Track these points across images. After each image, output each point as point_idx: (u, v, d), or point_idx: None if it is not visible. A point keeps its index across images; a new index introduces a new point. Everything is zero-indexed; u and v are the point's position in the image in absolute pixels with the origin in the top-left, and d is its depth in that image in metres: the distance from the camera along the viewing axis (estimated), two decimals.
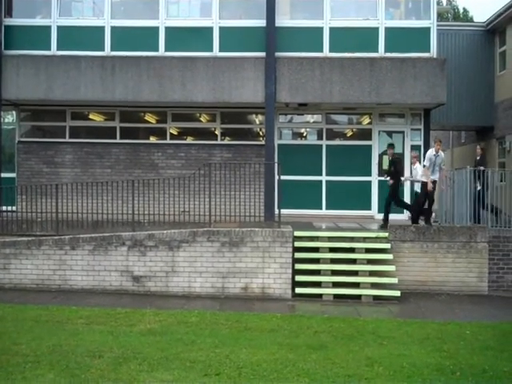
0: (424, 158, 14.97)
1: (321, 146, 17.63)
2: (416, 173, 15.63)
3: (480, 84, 21.09)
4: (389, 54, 16.72)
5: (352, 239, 13.82)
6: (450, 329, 10.35)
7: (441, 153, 14.58)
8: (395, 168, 15.31)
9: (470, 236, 13.91)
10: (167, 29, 16.98)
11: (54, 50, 17.05)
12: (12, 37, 17.09)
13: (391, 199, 15.36)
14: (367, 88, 16.45)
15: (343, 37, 16.85)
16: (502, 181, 16.33)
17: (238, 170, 15.08)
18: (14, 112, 17.99)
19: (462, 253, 13.85)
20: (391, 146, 15.55)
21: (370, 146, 17.60)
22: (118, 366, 7.78)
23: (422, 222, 14.59)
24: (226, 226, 13.94)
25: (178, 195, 14.68)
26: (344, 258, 13.56)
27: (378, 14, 16.86)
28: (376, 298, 13.01)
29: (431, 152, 14.52)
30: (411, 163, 16.32)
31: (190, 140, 18.05)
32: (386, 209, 15.41)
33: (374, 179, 17.39)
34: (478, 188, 15.01)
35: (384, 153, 17.54)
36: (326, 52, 16.81)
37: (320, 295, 13.10)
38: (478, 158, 16.34)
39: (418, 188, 15.56)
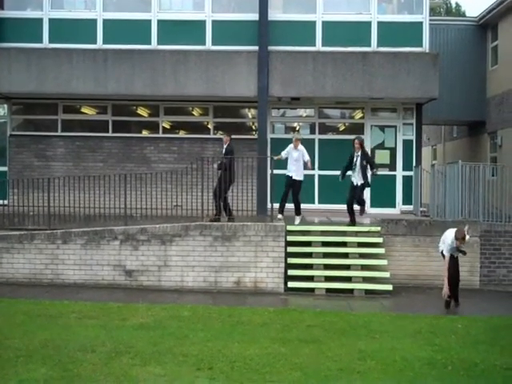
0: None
1: (313, 140, 17.63)
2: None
3: (472, 79, 21.12)
4: (381, 49, 16.72)
5: (344, 233, 13.86)
6: (442, 323, 10.40)
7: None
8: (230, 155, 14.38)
9: None
10: (160, 22, 16.93)
11: (45, 43, 16.96)
12: (3, 29, 16.98)
13: (218, 192, 14.17)
14: (360, 82, 16.45)
15: (336, 31, 16.84)
16: (493, 175, 16.40)
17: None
18: (5, 105, 17.89)
19: None
20: (227, 133, 15.02)
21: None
22: (111, 361, 7.78)
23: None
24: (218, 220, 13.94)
25: (170, 189, 14.66)
26: (336, 252, 13.59)
27: (370, 8, 16.85)
28: (368, 292, 13.06)
29: (451, 238, 11.65)
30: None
31: (182, 134, 18.02)
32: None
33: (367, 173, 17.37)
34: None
35: (376, 147, 17.59)
36: (318, 46, 16.81)
37: (312, 289, 13.14)
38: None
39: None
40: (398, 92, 16.53)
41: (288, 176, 14.41)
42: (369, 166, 14.37)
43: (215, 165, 14.51)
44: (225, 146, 14.66)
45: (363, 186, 14.45)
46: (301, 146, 14.43)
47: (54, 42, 16.90)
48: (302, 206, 16.57)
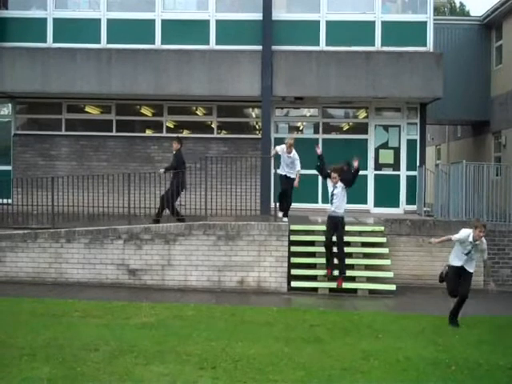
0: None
1: (317, 139, 17.61)
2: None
3: (476, 78, 21.07)
4: (385, 48, 16.70)
5: (348, 233, 13.81)
6: (445, 323, 10.37)
7: (482, 241, 10.13)
8: (177, 163, 14.24)
9: None
10: (163, 21, 16.93)
11: (49, 43, 16.99)
12: (7, 29, 17.02)
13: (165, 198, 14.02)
14: (363, 82, 16.43)
15: (340, 30, 16.83)
16: (497, 175, 16.37)
17: (235, 164, 15.06)
18: (9, 104, 17.94)
19: None
20: (177, 139, 14.70)
21: (366, 140, 17.61)
22: (114, 359, 7.78)
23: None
24: (222, 219, 13.94)
25: None
26: None
27: (374, 7, 16.83)
28: (372, 291, 13.05)
29: (466, 234, 10.06)
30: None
31: (186, 133, 18.02)
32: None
33: (370, 173, 17.40)
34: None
35: (380, 146, 17.56)
36: (322, 46, 16.80)
37: (316, 289, 13.13)
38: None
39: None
40: (401, 91, 16.51)
41: (281, 174, 14.17)
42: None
43: (161, 170, 14.46)
44: (174, 153, 14.48)
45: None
46: (294, 152, 14.03)
47: (58, 42, 16.93)
48: (306, 205, 16.63)
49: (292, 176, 14.18)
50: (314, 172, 16.22)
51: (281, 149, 14.21)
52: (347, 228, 13.88)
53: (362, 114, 18.05)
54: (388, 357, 8.15)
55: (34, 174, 16.87)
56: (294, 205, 15.20)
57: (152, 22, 16.92)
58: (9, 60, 16.69)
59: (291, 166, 14.13)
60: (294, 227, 13.78)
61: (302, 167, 14.81)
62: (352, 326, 9.95)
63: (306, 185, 16.71)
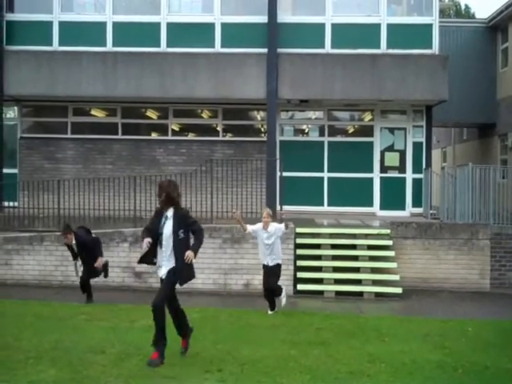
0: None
1: (322, 142, 17.60)
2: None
3: (482, 81, 21.03)
4: (391, 51, 16.67)
5: (354, 236, 13.81)
6: (452, 326, 10.34)
7: None
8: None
9: (472, 233, 13.90)
10: (169, 24, 16.95)
11: (55, 46, 17.03)
12: (14, 32, 17.05)
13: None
14: (369, 84, 16.40)
15: (345, 33, 16.80)
16: (503, 178, 16.32)
17: (240, 167, 15.07)
18: (15, 108, 17.96)
19: (463, 250, 13.85)
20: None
21: (371, 143, 17.57)
22: (120, 362, 7.76)
23: None
24: (227, 222, 13.93)
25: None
26: (346, 254, 13.55)
27: (379, 10, 16.81)
28: (378, 294, 13.02)
29: None
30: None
31: (191, 136, 18.04)
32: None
33: (376, 176, 17.37)
34: None
35: (385, 149, 17.53)
36: (327, 48, 16.77)
37: (322, 292, 13.11)
38: None
39: None
40: (407, 94, 16.47)
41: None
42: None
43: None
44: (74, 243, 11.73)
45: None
46: (272, 225, 11.04)
47: (63, 45, 16.96)
48: (312, 208, 16.54)
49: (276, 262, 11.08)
50: (321, 174, 16.26)
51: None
52: (353, 231, 13.89)
53: (367, 116, 18.02)
54: (394, 360, 8.11)
55: (40, 176, 16.89)
56: (299, 207, 15.18)
57: (157, 25, 16.94)
58: (15, 63, 16.73)
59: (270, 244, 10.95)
60: (299, 230, 13.76)
61: (308, 170, 14.80)
62: (358, 330, 9.91)
63: (312, 187, 16.72)
